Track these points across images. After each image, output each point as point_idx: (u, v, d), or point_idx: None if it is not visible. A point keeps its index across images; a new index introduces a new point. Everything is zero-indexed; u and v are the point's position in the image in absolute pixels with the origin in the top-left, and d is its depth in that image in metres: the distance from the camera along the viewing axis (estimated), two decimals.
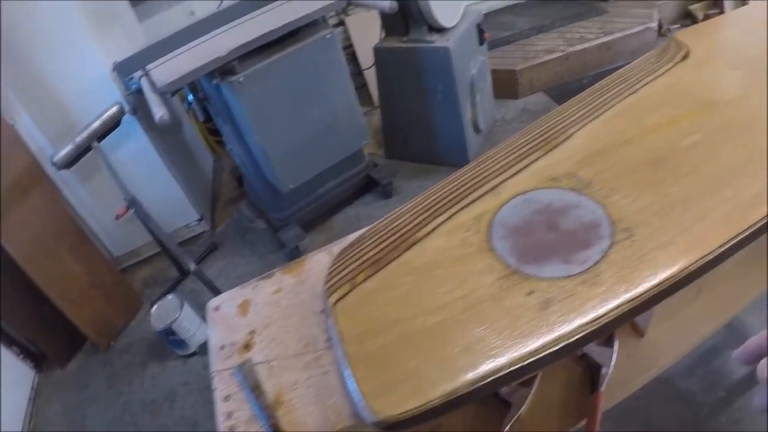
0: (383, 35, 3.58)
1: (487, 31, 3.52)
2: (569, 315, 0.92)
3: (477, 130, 3.74)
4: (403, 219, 1.22)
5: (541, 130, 1.32)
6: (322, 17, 2.97)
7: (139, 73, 2.79)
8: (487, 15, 4.91)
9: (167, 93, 2.59)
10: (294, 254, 3.28)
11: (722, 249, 0.96)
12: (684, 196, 1.06)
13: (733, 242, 0.97)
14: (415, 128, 3.71)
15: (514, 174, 1.22)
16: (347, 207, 3.77)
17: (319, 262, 1.35)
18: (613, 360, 1.36)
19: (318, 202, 3.53)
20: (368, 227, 1.27)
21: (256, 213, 3.81)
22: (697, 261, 0.95)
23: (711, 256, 0.96)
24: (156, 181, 3.50)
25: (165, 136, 3.62)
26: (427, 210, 1.22)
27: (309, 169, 3.26)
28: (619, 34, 4.25)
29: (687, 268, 0.95)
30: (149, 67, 2.80)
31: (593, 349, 1.38)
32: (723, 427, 2.23)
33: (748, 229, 0.98)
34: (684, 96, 1.33)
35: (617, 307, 0.92)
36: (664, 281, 0.94)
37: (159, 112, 2.42)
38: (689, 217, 1.02)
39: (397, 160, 4.04)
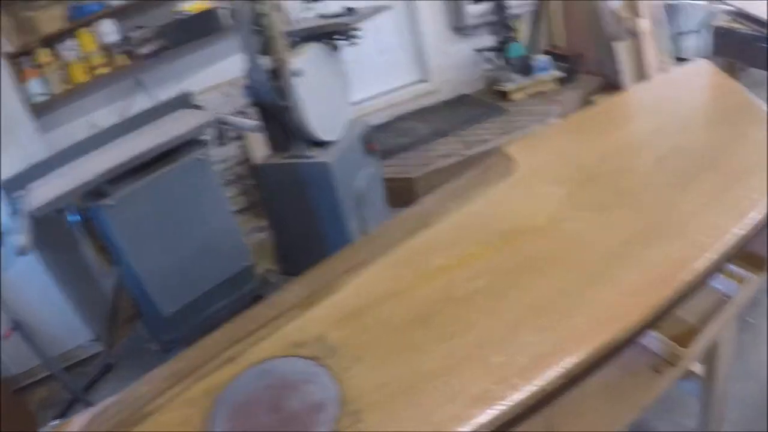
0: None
1: (381, 137, 3.41)
2: None
3: None
4: (141, 390, 1.06)
5: (307, 282, 1.15)
6: (195, 139, 2.84)
7: (20, 193, 2.69)
8: (387, 123, 4.85)
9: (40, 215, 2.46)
10: None
11: None
12: (437, 367, 0.88)
13: (484, 429, 0.79)
14: (306, 243, 3.55)
15: (261, 339, 1.04)
16: None
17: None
18: None
19: (206, 323, 3.27)
20: (121, 392, 1.15)
21: (151, 333, 3.59)
22: None
23: None
24: (46, 300, 3.32)
25: (58, 254, 3.44)
26: (170, 377, 1.05)
27: (189, 291, 3.09)
28: (518, 133, 4.19)
29: None
30: (31, 186, 2.71)
31: None
32: None
33: (498, 418, 0.80)
34: (486, 228, 1.19)
35: None
36: None
37: (20, 241, 2.31)
38: (433, 397, 0.83)
39: (294, 276, 3.80)
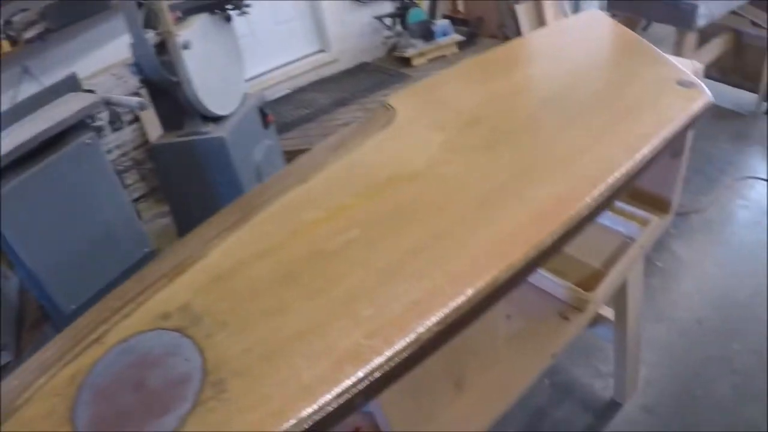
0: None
1: (282, 110, 3.30)
2: None
3: None
4: (18, 381, 0.95)
5: (178, 253, 1.05)
6: (82, 121, 2.66)
7: None
8: (287, 96, 4.74)
9: None
10: None
11: (333, 404, 0.70)
12: (304, 327, 0.80)
13: (354, 390, 0.71)
14: None
15: (127, 315, 0.94)
16: None
17: None
18: None
19: None
20: None
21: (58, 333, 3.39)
22: (293, 427, 0.68)
23: (318, 417, 0.69)
24: None
25: None
26: (39, 368, 0.94)
27: (90, 285, 2.90)
28: None
29: None
30: None
31: None
32: None
33: (372, 373, 0.72)
34: (361, 178, 1.11)
35: None
36: None
37: None
38: (301, 358, 0.76)
39: None
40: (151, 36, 2.74)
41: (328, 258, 0.91)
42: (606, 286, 1.61)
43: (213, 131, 3.06)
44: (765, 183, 3.75)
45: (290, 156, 3.71)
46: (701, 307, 2.87)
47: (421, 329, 0.76)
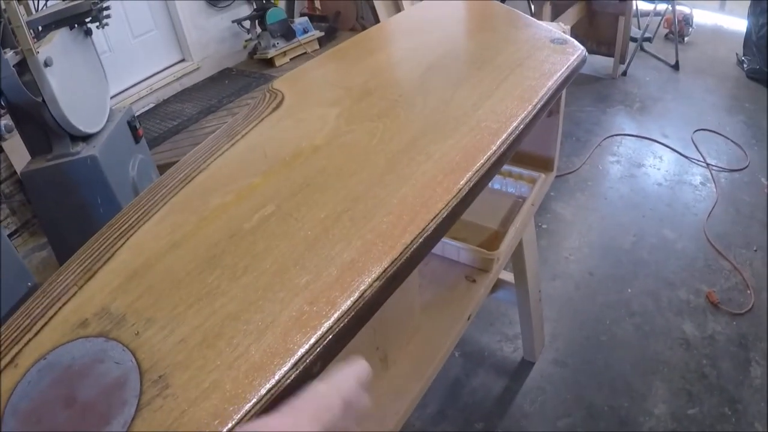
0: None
1: (149, 124, 3.18)
2: None
3: None
4: None
5: (81, 258, 0.98)
6: None
7: None
8: (153, 109, 4.61)
9: None
10: None
11: (290, 375, 0.67)
12: (238, 306, 0.76)
13: (309, 356, 0.69)
14: None
15: (39, 331, 0.86)
16: None
17: None
18: None
19: None
20: None
21: None
22: (253, 408, 0.65)
23: (276, 391, 0.66)
24: None
25: None
26: None
27: None
28: None
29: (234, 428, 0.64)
30: None
31: None
32: None
33: (325, 336, 0.70)
34: (263, 159, 1.08)
35: None
36: None
37: None
38: (243, 336, 0.72)
39: None
40: (10, 56, 2.57)
41: (247, 236, 0.87)
42: (507, 244, 1.65)
43: (84, 151, 2.92)
44: (631, 138, 3.95)
45: (163, 169, 3.58)
46: (590, 259, 3.00)
47: (363, 286, 0.75)
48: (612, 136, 4.05)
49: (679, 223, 3.20)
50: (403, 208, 0.89)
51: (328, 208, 0.90)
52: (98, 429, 0.69)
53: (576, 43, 1.51)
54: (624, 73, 4.94)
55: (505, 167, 1.92)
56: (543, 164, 1.95)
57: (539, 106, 1.24)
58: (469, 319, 1.52)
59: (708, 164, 3.63)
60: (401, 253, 0.80)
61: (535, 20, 1.71)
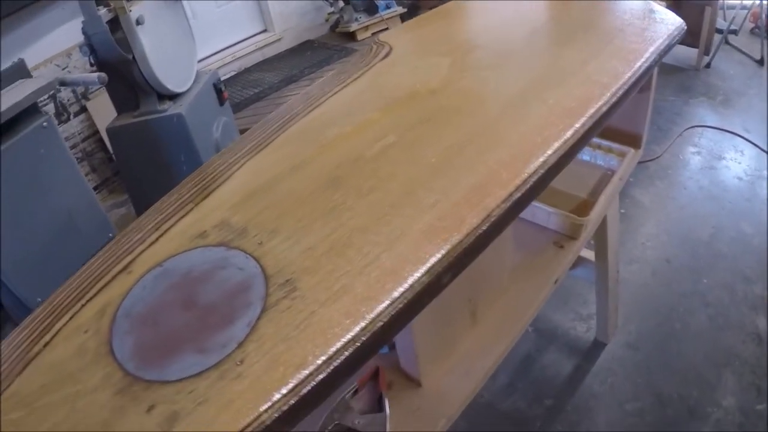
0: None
1: (231, 91, 3.22)
2: None
3: None
4: (24, 333, 0.87)
5: (196, 180, 1.01)
6: (34, 105, 2.54)
7: None
8: (235, 77, 4.69)
9: None
10: None
11: (423, 281, 0.68)
12: (366, 220, 0.78)
13: (441, 266, 0.70)
14: None
15: (153, 242, 0.89)
16: None
17: None
18: (388, 427, 1.10)
19: None
20: None
21: None
22: (386, 309, 0.66)
23: (409, 295, 0.67)
24: None
25: None
26: (51, 313, 0.87)
27: (54, 276, 2.74)
28: None
29: (368, 327, 0.65)
30: None
31: (360, 420, 1.10)
32: None
33: (456, 248, 0.71)
34: (377, 98, 1.10)
35: (271, 407, 0.61)
36: (336, 354, 0.64)
37: None
38: (373, 246, 0.74)
39: None
40: (103, 13, 2.64)
41: (370, 162, 0.89)
42: (597, 212, 1.64)
43: (170, 109, 2.98)
44: (713, 130, 3.86)
45: None
46: (668, 247, 2.95)
47: (491, 206, 0.76)
48: (693, 126, 3.96)
49: (758, 219, 3.12)
50: (523, 144, 0.89)
51: (450, 140, 0.91)
52: (221, 329, 0.72)
53: (672, 14, 1.49)
54: (708, 65, 4.82)
55: (595, 140, 1.91)
56: (631, 141, 1.93)
57: (644, 67, 1.23)
58: (556, 282, 1.51)
59: None
60: (525, 181, 0.81)
61: None
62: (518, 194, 0.79)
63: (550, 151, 0.87)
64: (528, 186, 0.81)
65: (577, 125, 0.95)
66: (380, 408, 1.14)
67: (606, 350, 2.43)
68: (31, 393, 0.75)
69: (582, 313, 2.61)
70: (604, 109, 1.03)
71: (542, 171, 0.84)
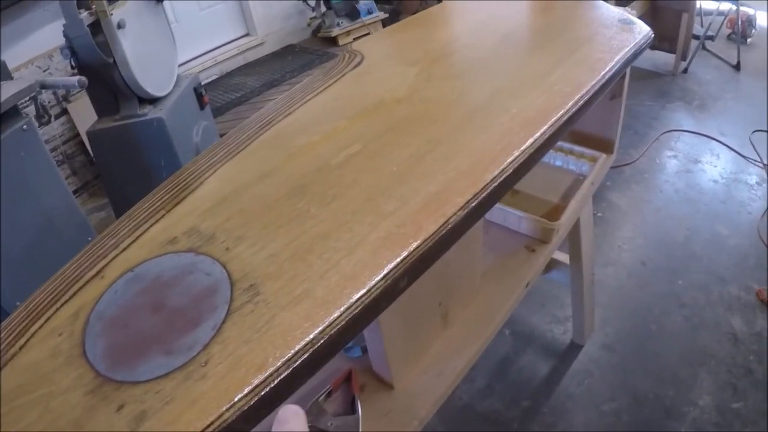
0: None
1: (212, 95, 3.24)
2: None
3: None
4: (1, 335, 0.89)
5: (169, 187, 1.03)
6: (14, 107, 2.55)
7: None
8: (216, 80, 4.70)
9: None
10: None
11: (380, 285, 0.71)
12: (328, 227, 0.81)
13: (398, 271, 0.73)
14: None
15: (126, 248, 0.92)
16: None
17: None
18: (361, 429, 1.13)
19: None
20: None
21: None
22: (344, 313, 0.69)
23: (366, 299, 0.70)
24: None
25: None
26: (27, 317, 0.89)
27: (34, 279, 2.77)
28: None
29: (326, 330, 0.68)
30: None
31: (333, 422, 1.13)
32: None
33: (412, 253, 0.74)
34: (346, 107, 1.13)
35: (233, 406, 0.64)
36: (295, 356, 0.67)
37: None
38: (334, 252, 0.77)
39: None
40: (84, 16, 2.65)
41: (334, 170, 0.92)
42: (567, 216, 1.68)
43: (151, 113, 3.00)
44: (689, 134, 3.91)
45: None
46: (644, 249, 3.00)
47: (448, 213, 0.79)
48: (670, 131, 4.02)
49: (733, 221, 3.17)
50: (483, 152, 0.93)
51: (412, 148, 0.94)
52: (188, 332, 0.74)
53: (642, 23, 1.53)
54: (685, 71, 4.88)
55: (567, 145, 1.94)
56: (604, 146, 1.96)
57: (607, 76, 1.26)
58: (527, 286, 1.54)
59: (765, 165, 3.58)
60: (483, 189, 0.84)
61: (603, 2, 1.73)
62: (475, 202, 0.82)
63: (509, 160, 0.90)
64: (486, 193, 0.84)
65: (537, 134, 0.98)
66: (353, 410, 1.17)
67: (582, 352, 2.46)
68: (8, 393, 0.77)
69: (558, 316, 2.65)
70: (565, 118, 1.06)
71: (500, 179, 0.87)
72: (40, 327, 0.85)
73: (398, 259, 0.73)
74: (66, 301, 0.88)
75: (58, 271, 0.99)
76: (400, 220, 0.79)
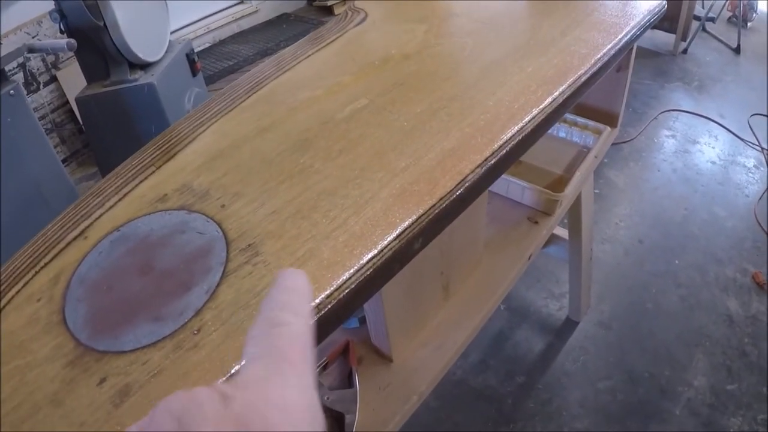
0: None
1: (205, 63, 3.15)
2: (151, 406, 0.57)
3: None
4: None
5: (159, 143, 0.97)
6: (1, 72, 2.47)
7: None
8: (209, 48, 4.61)
9: None
10: None
11: (393, 246, 0.65)
12: (334, 183, 0.75)
13: (412, 231, 0.67)
14: None
15: (112, 206, 0.85)
16: None
17: None
18: (358, 402, 1.08)
19: None
20: None
21: None
22: (354, 275, 0.63)
23: (378, 261, 0.64)
24: None
25: None
26: (4, 282, 0.83)
27: (19, 248, 2.72)
28: None
29: (334, 294, 0.62)
30: None
31: (330, 396, 1.08)
32: (533, 411, 2.13)
33: (428, 212, 0.68)
34: (351, 61, 1.06)
35: (229, 379, 0.58)
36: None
37: None
38: (341, 210, 0.70)
39: None
40: None
41: (340, 124, 0.86)
42: (571, 188, 1.63)
43: (142, 78, 2.91)
44: (688, 114, 3.87)
45: None
46: (640, 227, 2.96)
47: (465, 171, 0.73)
48: (669, 110, 3.97)
49: (730, 203, 3.14)
50: (500, 109, 0.87)
51: (423, 104, 0.88)
52: (179, 296, 0.68)
53: None
54: (684, 51, 4.82)
55: (571, 116, 1.89)
56: (608, 119, 1.91)
57: (624, 41, 1.21)
58: (530, 258, 1.49)
59: (763, 148, 3.55)
60: (501, 146, 0.78)
61: None
62: (494, 160, 0.76)
63: (528, 118, 0.84)
64: (504, 152, 0.78)
65: (556, 93, 0.93)
66: (350, 384, 1.13)
67: (578, 329, 2.43)
68: None
69: (554, 292, 2.61)
70: (583, 78, 1.01)
71: (519, 137, 0.81)
72: (17, 292, 0.79)
73: (412, 218, 0.67)
74: (46, 264, 0.81)
75: (39, 232, 0.93)
76: (414, 177, 0.73)
